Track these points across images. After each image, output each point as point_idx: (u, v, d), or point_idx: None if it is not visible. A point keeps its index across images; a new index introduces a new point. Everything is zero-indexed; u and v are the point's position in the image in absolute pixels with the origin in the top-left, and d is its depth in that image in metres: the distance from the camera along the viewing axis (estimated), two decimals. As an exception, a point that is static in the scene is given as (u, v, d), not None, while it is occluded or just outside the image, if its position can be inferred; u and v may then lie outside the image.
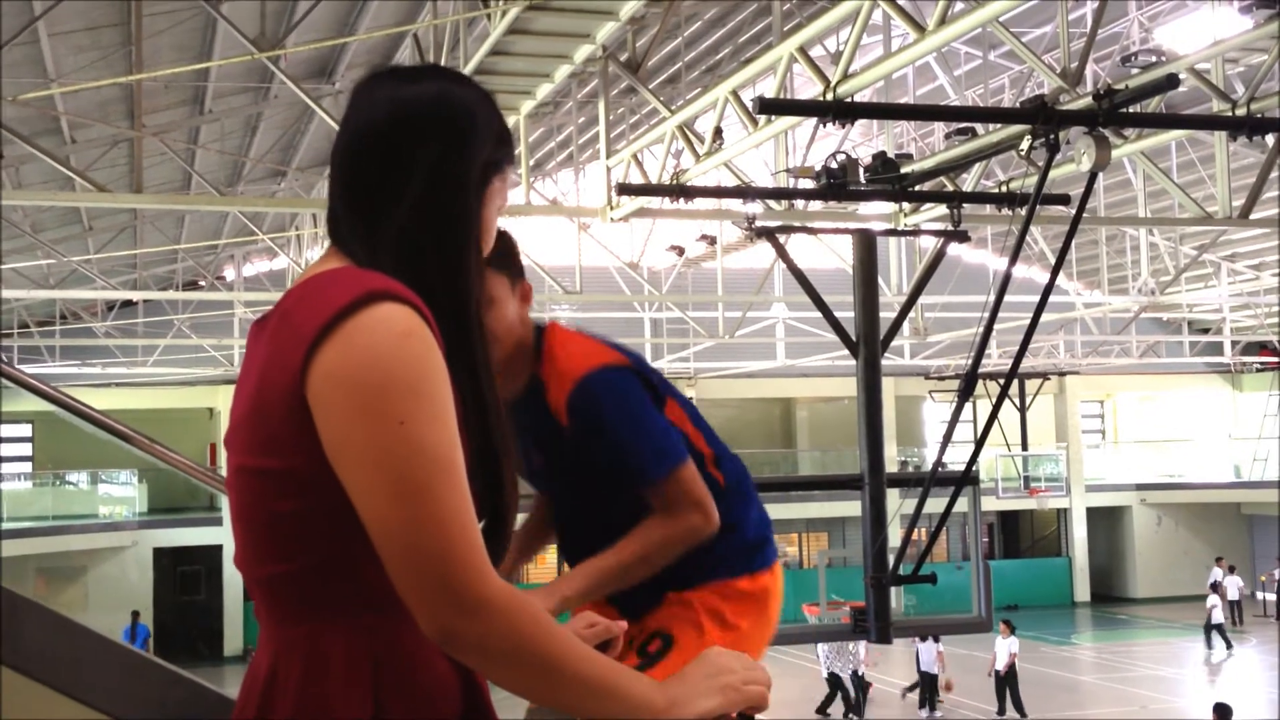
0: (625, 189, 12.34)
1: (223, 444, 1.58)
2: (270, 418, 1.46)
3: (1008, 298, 10.31)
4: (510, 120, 13.09)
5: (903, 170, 12.00)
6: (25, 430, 31.68)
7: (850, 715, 20.66)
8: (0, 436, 32.16)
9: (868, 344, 11.82)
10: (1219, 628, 27.25)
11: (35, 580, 26.00)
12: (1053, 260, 10.85)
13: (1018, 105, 11.09)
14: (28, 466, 31.75)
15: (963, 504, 11.53)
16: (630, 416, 2.41)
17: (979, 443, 11.05)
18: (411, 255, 1.56)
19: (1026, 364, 28.54)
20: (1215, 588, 28.92)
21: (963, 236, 12.21)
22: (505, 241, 2.43)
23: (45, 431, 30.51)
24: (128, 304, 26.42)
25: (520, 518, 2.52)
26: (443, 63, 10.92)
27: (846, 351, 12.21)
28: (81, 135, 15.19)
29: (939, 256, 12.49)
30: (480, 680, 1.59)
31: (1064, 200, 12.14)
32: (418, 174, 1.59)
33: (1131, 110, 9.77)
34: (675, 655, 2.41)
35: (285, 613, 1.52)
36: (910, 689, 21.69)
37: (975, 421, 31.30)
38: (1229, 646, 26.92)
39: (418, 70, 1.69)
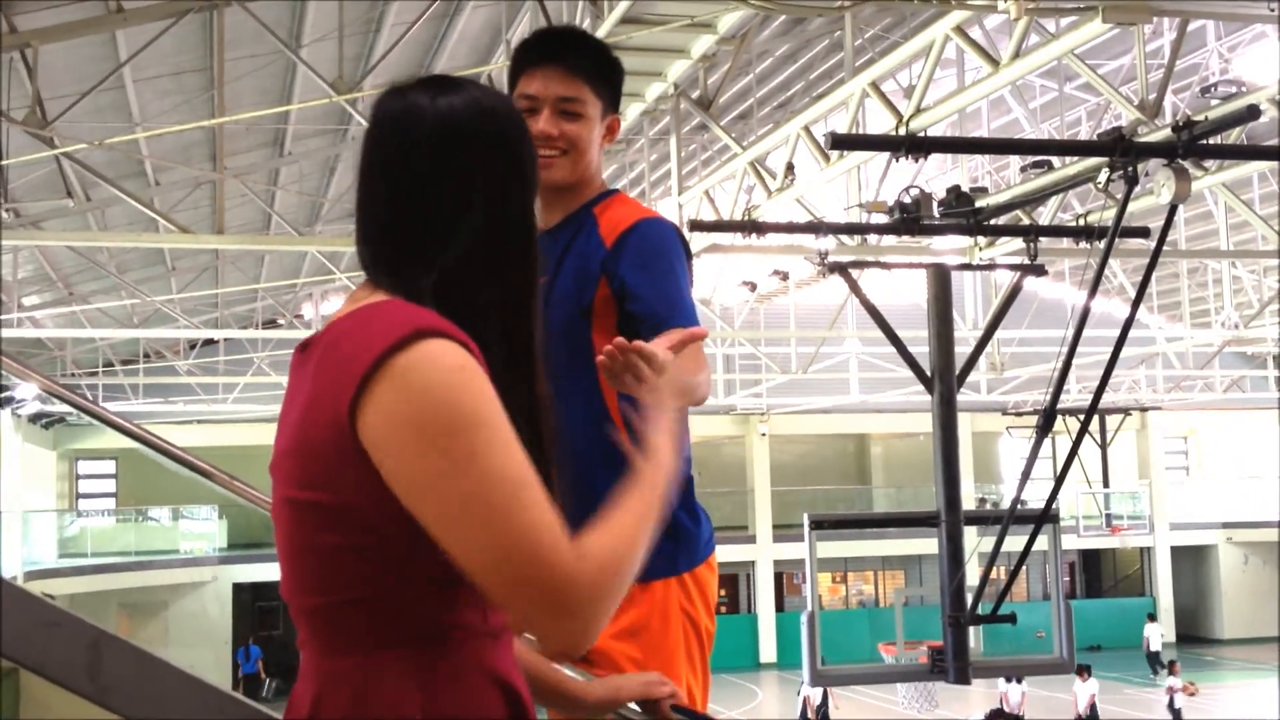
0: (697, 225, 12.36)
1: (268, 471, 1.56)
2: (318, 453, 1.45)
3: (1087, 331, 10.16)
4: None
5: (977, 204, 11.91)
6: (109, 467, 32.31)
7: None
8: (85, 473, 32.86)
9: (943, 379, 11.70)
10: (1156, 655, 29.09)
11: (118, 615, 26.43)
12: (1133, 293, 10.69)
13: (1095, 137, 10.96)
14: (111, 502, 32.36)
15: (1043, 542, 11.35)
16: (682, 269, 2.43)
17: (1059, 479, 10.87)
18: (474, 285, 1.55)
19: (1107, 399, 28.07)
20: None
21: (1040, 270, 12.07)
22: (615, 71, 2.51)
23: (128, 468, 31.10)
24: (209, 342, 26.87)
25: None
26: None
27: (921, 387, 12.10)
28: (165, 178, 15.53)
29: (1015, 290, 12.35)
30: (528, 707, 1.59)
31: (1143, 233, 11.97)
32: (476, 195, 1.55)
33: (1211, 142, 9.62)
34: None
35: (332, 644, 1.49)
36: None
37: (1055, 458, 30.83)
38: (1158, 670, 28.73)
39: (448, 80, 1.62)
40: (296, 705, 1.54)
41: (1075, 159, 10.95)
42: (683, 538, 2.45)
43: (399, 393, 1.39)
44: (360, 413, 1.40)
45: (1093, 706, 20.69)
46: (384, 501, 1.43)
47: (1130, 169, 9.03)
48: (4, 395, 24.00)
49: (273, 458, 1.54)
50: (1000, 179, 19.95)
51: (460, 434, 1.39)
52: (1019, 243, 12.63)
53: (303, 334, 23.48)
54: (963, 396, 12.42)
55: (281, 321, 25.45)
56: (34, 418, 28.26)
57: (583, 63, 2.46)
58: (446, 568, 1.45)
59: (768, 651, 32.12)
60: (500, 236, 1.57)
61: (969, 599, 11.24)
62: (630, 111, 11.46)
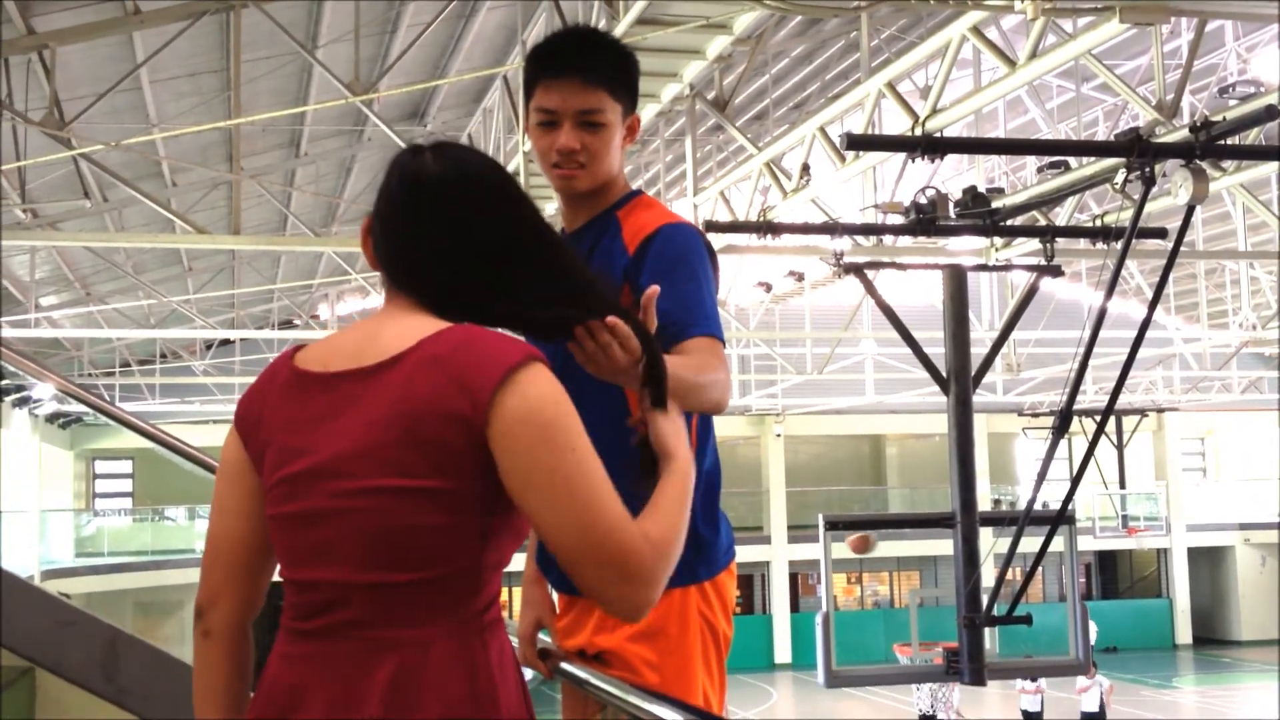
0: (713, 226, 12.35)
1: (321, 471, 1.74)
2: (439, 446, 1.70)
3: (1104, 332, 10.12)
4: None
5: (994, 204, 11.87)
6: (126, 467, 32.42)
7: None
8: (102, 473, 32.97)
9: (959, 380, 11.68)
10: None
11: (134, 614, 26.51)
12: (1150, 294, 10.65)
13: (1112, 138, 10.93)
14: (128, 502, 32.46)
15: (1059, 543, 11.31)
16: (705, 274, 2.42)
17: (1075, 480, 10.84)
18: (525, 310, 1.84)
19: (1124, 400, 27.97)
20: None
21: (1056, 271, 12.03)
22: (631, 71, 2.48)
23: (145, 468, 31.21)
24: (225, 343, 26.96)
25: None
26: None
27: (937, 387, 12.07)
28: (182, 179, 15.59)
29: (1032, 291, 12.32)
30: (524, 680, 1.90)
31: (1161, 234, 11.92)
32: (521, 238, 1.84)
33: (1229, 142, 9.57)
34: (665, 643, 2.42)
35: (411, 616, 1.71)
36: None
37: (1071, 459, 30.73)
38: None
39: (456, 143, 1.91)
40: (361, 669, 1.69)
41: (1092, 159, 10.92)
42: (703, 547, 2.47)
43: (523, 400, 1.70)
44: (491, 414, 1.69)
45: (1101, 704, 20.62)
46: (486, 487, 1.72)
47: (1148, 169, 9.00)
48: (21, 395, 24.10)
49: (326, 459, 1.74)
50: (1017, 179, 19.91)
51: (565, 433, 1.71)
52: (1035, 243, 12.59)
53: (319, 334, 23.49)
54: (979, 397, 12.39)
55: (298, 322, 25.53)
56: (51, 417, 28.37)
57: (600, 70, 2.41)
58: (501, 552, 1.78)
59: (782, 652, 32.09)
60: (554, 271, 1.87)
61: (984, 600, 11.21)
62: (646, 113, 11.45)
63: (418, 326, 1.77)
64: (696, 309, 2.34)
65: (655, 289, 2.01)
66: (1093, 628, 29.30)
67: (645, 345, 1.90)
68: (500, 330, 1.79)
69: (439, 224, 1.81)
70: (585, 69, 2.40)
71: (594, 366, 1.91)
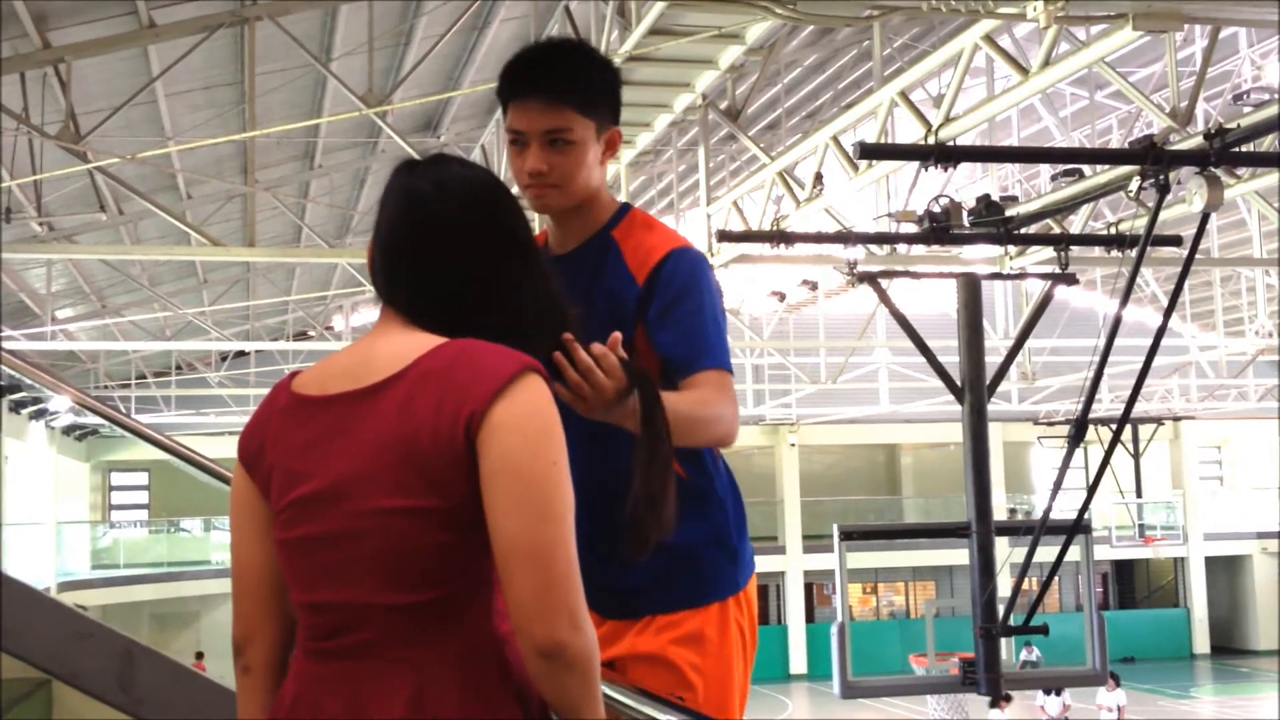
0: (726, 236, 12.35)
1: (325, 494, 1.73)
2: (434, 464, 1.69)
3: (1119, 341, 10.09)
4: (612, 170, 13.20)
5: (1008, 213, 11.86)
6: (142, 478, 32.51)
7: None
8: (118, 485, 33.07)
9: (974, 389, 11.65)
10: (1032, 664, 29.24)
11: (150, 626, 26.57)
12: (1165, 302, 10.62)
13: (1126, 146, 10.91)
14: (144, 514, 32.54)
15: (1075, 553, 11.27)
16: (711, 301, 2.39)
17: (1091, 489, 10.79)
18: (523, 321, 1.86)
19: (1140, 408, 27.87)
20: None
21: (1071, 279, 12.00)
22: (606, 84, 2.42)
23: (161, 479, 31.27)
24: (240, 354, 27.02)
25: None
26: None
27: (952, 396, 12.04)
28: (197, 191, 15.64)
29: (1046, 299, 12.29)
30: None
31: (1175, 241, 11.89)
32: (518, 253, 1.87)
33: (1244, 149, 9.54)
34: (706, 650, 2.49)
35: (428, 636, 1.70)
36: None
37: (1087, 468, 30.63)
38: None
39: (453, 158, 1.93)
40: (382, 687, 1.69)
41: (1106, 167, 10.90)
42: (736, 557, 2.59)
43: (511, 408, 1.69)
44: (481, 426, 1.68)
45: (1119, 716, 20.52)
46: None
47: (1162, 177, 8.98)
48: (38, 407, 24.20)
49: (329, 482, 1.73)
50: (1031, 187, 19.87)
51: (550, 444, 1.70)
52: (1050, 251, 12.57)
53: (333, 345, 23.51)
54: (994, 406, 12.36)
55: (312, 333, 25.59)
56: (67, 430, 28.47)
57: (564, 88, 2.34)
58: None
59: (798, 663, 32.01)
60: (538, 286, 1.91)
61: (1001, 610, 11.17)
62: (658, 123, 11.46)
63: (413, 344, 1.77)
64: (701, 341, 2.33)
65: (618, 335, 2.03)
66: (1033, 651, 28.58)
67: (631, 376, 1.90)
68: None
69: (431, 239, 1.82)
70: (548, 89, 2.33)
71: (583, 405, 1.94)
